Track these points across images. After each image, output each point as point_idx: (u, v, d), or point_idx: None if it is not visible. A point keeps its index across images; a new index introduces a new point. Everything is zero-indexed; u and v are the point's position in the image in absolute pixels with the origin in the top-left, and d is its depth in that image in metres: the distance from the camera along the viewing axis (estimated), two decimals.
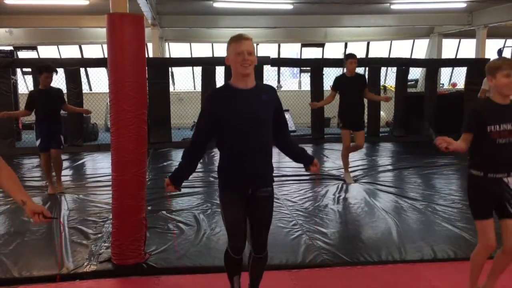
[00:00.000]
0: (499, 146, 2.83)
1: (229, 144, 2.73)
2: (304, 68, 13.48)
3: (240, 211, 2.75)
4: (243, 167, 2.71)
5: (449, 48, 15.18)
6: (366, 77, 10.70)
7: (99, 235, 4.63)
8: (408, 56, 14.84)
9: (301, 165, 3.07)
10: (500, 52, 13.22)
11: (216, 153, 5.89)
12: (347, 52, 6.94)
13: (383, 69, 12.48)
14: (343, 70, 6.76)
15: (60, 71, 9.99)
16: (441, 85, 14.35)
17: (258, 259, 2.90)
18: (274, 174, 2.90)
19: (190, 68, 13.51)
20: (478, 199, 2.96)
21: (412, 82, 14.10)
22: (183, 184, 2.96)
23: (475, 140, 2.89)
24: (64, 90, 9.89)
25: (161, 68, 10.18)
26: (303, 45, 14.83)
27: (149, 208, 4.97)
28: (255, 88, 2.72)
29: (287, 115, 12.57)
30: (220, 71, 10.11)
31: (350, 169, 6.95)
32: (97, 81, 13.40)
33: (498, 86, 2.85)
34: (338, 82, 6.61)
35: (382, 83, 12.63)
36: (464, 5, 11.74)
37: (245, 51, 2.60)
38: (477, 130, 2.85)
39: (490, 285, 3.11)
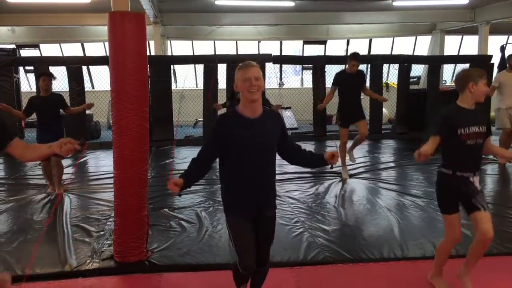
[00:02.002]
0: (467, 147, 3.10)
1: (234, 170, 2.79)
2: (306, 66, 13.47)
3: (249, 232, 2.81)
4: (248, 192, 2.78)
5: (452, 44, 15.13)
6: (368, 74, 10.80)
7: (102, 232, 4.65)
8: (411, 53, 14.83)
9: None
10: (503, 48, 13.13)
11: None
12: (351, 51, 6.93)
13: (385, 66, 12.43)
14: (344, 66, 6.77)
15: (62, 69, 10.03)
16: (443, 82, 14.32)
17: (260, 271, 2.98)
18: (276, 172, 2.93)
19: (192, 65, 13.53)
20: (445, 196, 3.22)
21: (415, 79, 14.06)
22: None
23: (447, 142, 3.13)
24: (66, 88, 9.94)
25: (163, 66, 10.19)
26: (305, 42, 14.82)
27: (151, 206, 4.99)
28: (262, 116, 2.78)
29: (289, 113, 12.64)
30: (222, 68, 10.10)
31: (352, 166, 6.94)
32: (100, 79, 13.42)
33: (476, 94, 3.10)
34: (338, 78, 6.66)
35: (384, 80, 12.59)
36: (466, 1, 11.70)
37: (252, 77, 2.67)
38: (448, 134, 3.10)
39: (467, 272, 3.32)
